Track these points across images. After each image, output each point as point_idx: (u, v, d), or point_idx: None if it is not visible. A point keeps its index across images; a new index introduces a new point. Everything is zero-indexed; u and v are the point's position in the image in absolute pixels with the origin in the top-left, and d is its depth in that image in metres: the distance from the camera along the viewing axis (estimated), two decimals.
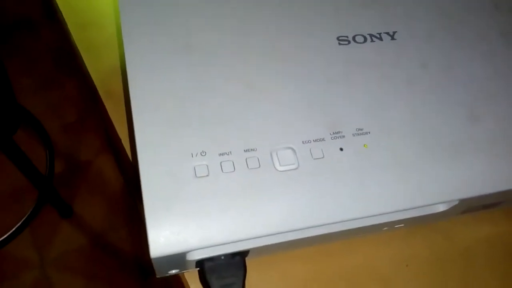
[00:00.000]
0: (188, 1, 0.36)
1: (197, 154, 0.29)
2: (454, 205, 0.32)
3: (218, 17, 0.35)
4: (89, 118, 1.42)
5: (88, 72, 0.43)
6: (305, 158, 0.30)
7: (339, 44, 0.35)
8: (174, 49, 0.33)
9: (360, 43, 0.36)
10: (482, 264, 0.39)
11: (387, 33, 0.37)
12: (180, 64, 0.32)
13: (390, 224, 0.33)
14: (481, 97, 0.35)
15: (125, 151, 0.40)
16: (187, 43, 0.33)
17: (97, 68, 0.43)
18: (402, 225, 0.34)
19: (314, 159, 0.30)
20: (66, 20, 0.46)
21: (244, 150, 0.30)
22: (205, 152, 0.29)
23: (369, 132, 0.32)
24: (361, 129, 0.32)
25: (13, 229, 1.17)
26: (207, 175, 0.29)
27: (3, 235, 1.17)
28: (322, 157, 0.30)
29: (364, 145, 0.31)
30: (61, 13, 0.46)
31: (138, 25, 0.33)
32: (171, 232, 0.27)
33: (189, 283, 0.34)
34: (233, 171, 0.29)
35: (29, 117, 1.27)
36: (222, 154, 0.29)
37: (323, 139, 0.31)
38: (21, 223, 1.17)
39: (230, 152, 0.30)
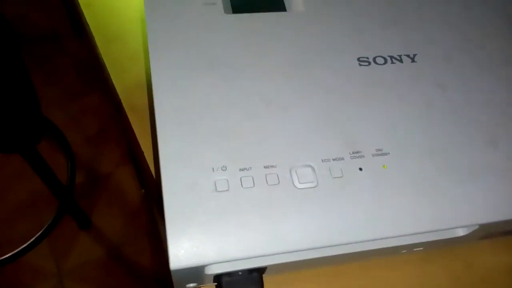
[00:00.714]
0: (212, 19, 0.36)
1: (218, 168, 0.30)
2: (474, 229, 0.32)
3: (241, 35, 0.36)
4: (110, 130, 1.44)
5: (114, 85, 0.44)
6: (324, 177, 0.30)
7: (360, 65, 0.36)
8: (198, 65, 0.34)
9: (380, 64, 0.36)
10: None
11: (408, 56, 0.37)
12: (204, 80, 0.33)
13: (409, 247, 0.33)
14: (499, 120, 0.35)
15: (147, 164, 0.40)
16: (210, 60, 0.34)
17: (122, 81, 0.44)
18: (421, 248, 0.34)
19: (333, 178, 0.30)
20: (93, 34, 0.47)
21: (264, 167, 0.30)
22: (226, 167, 0.30)
23: (389, 153, 0.32)
24: (380, 150, 0.32)
25: (32, 239, 1.18)
26: (227, 190, 0.29)
27: (22, 244, 1.19)
28: (341, 176, 0.31)
29: (384, 166, 0.31)
30: (89, 27, 0.48)
31: (164, 41, 0.34)
32: (191, 245, 0.27)
33: None
34: (252, 187, 0.29)
35: (52, 128, 1.30)
36: (242, 170, 0.30)
37: (342, 158, 0.31)
38: (41, 233, 1.19)
39: (250, 167, 0.30)
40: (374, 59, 0.36)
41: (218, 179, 0.29)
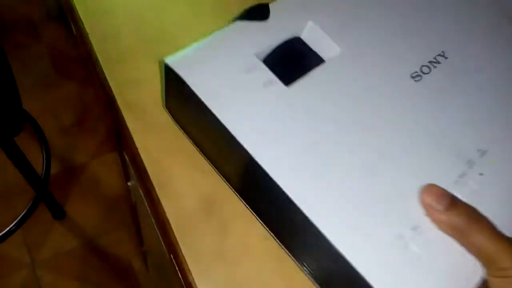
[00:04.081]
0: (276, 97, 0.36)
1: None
2: None
3: (306, 103, 0.36)
4: (87, 121, 1.44)
5: (107, 81, 0.45)
6: (463, 194, 0.32)
7: (415, 81, 0.37)
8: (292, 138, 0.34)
9: (428, 73, 0.38)
10: None
11: (440, 55, 0.39)
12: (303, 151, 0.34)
13: None
14: None
15: (141, 159, 0.42)
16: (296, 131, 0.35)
17: (115, 78, 0.45)
18: None
19: (472, 191, 0.33)
20: (88, 31, 0.48)
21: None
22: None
23: (487, 150, 0.35)
24: (481, 150, 0.35)
25: (7, 229, 1.18)
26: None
27: None
28: (477, 189, 0.33)
29: (493, 163, 0.34)
30: (83, 23, 0.48)
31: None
32: None
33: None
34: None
35: (27, 118, 1.28)
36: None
37: (465, 174, 0.34)
38: (15, 224, 1.18)
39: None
40: (421, 70, 0.38)
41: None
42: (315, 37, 0.39)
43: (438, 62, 0.39)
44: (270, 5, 0.39)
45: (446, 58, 0.39)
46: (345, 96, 0.36)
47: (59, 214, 1.27)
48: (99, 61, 0.46)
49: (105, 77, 0.45)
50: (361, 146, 0.34)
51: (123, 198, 1.31)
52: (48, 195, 1.20)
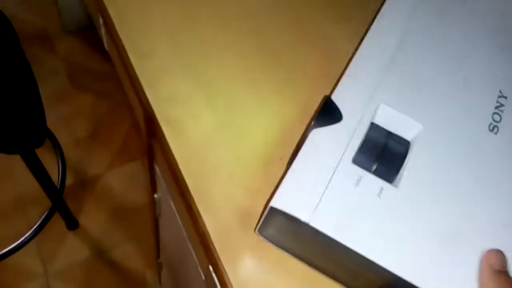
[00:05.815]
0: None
1: None
2: None
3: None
4: (101, 133, 1.45)
5: (146, 97, 0.46)
6: None
7: (495, 134, 0.38)
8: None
9: (499, 122, 0.39)
10: None
11: (500, 95, 0.40)
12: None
13: None
14: None
15: (181, 173, 0.43)
16: None
17: (153, 94, 0.47)
18: None
19: None
20: (126, 47, 0.49)
21: None
22: None
23: None
24: None
25: (22, 239, 1.18)
26: None
27: (8, 245, 1.18)
28: None
29: None
30: (120, 40, 0.50)
31: None
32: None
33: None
34: None
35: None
36: None
37: None
38: (31, 233, 1.18)
39: None
40: (493, 119, 0.39)
41: None
42: (390, 119, 0.39)
43: (502, 105, 0.40)
44: (333, 98, 0.38)
45: (506, 97, 0.40)
46: (452, 181, 0.36)
47: (72, 224, 1.27)
48: (138, 77, 0.47)
49: (144, 93, 0.47)
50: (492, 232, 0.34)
51: (136, 210, 1.31)
52: (63, 205, 1.21)
